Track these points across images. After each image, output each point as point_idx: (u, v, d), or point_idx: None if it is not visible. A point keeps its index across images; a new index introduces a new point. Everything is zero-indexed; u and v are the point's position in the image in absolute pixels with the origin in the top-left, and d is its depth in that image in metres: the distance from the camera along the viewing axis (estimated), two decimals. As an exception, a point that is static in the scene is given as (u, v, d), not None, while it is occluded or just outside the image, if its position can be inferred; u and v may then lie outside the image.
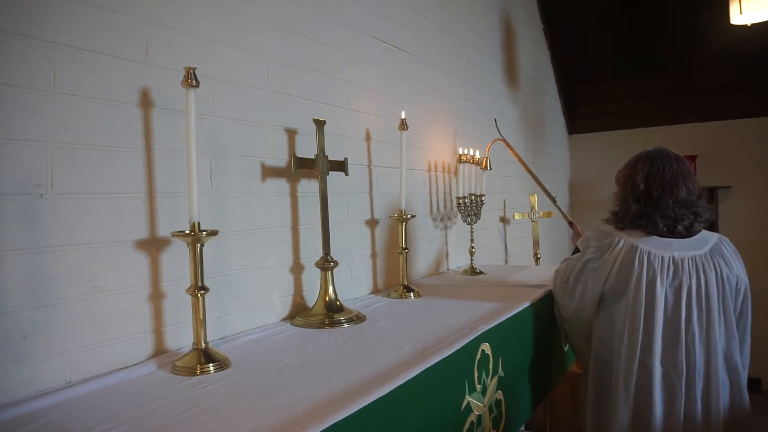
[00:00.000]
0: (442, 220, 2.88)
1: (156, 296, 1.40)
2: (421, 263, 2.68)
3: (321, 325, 1.69)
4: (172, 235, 1.31)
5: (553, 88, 5.19)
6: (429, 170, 2.77)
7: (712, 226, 4.86)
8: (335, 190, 2.04)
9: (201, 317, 1.31)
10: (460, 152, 2.72)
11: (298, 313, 1.84)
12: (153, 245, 1.40)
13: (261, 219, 1.73)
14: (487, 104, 3.47)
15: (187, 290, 1.31)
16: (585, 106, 5.45)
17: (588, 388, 2.02)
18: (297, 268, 1.87)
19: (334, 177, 1.95)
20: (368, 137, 2.28)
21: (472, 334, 1.51)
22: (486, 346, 1.55)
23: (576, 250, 2.31)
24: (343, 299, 2.05)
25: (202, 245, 1.30)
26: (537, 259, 3.70)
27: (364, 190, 2.26)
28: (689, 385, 1.78)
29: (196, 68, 1.29)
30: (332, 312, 1.74)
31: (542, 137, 4.69)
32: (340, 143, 2.10)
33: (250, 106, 1.70)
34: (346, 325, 1.70)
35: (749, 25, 3.12)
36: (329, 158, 1.83)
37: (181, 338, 1.45)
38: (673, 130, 5.08)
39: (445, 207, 2.91)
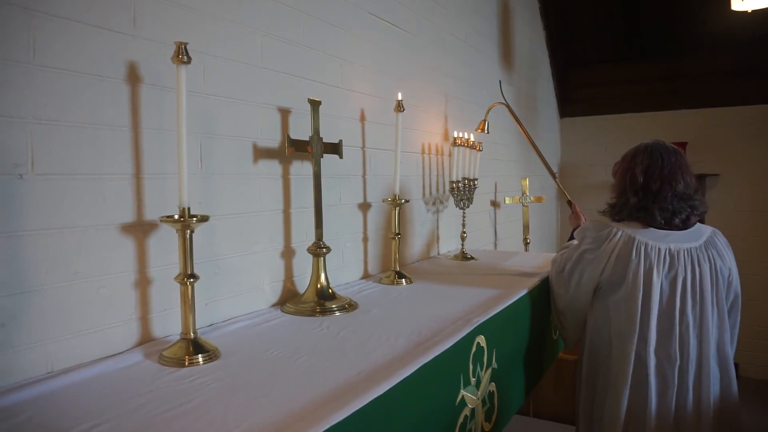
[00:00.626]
0: (434, 203, 2.84)
1: (142, 282, 1.34)
2: (412, 247, 2.65)
3: (312, 313, 1.65)
4: (161, 221, 1.24)
5: (547, 71, 5.13)
6: (422, 152, 2.71)
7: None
8: (328, 172, 1.98)
9: (190, 306, 1.25)
10: (455, 135, 2.67)
11: (289, 299, 1.79)
12: (139, 229, 1.33)
13: (252, 202, 1.67)
14: (482, 85, 3.41)
15: (175, 278, 1.25)
16: (577, 89, 5.40)
17: (582, 376, 2.03)
18: (288, 253, 1.82)
19: (327, 159, 1.89)
20: (363, 118, 2.21)
21: (467, 327, 1.48)
22: (481, 339, 1.53)
23: (572, 236, 2.30)
24: (334, 284, 2.01)
25: (191, 232, 1.24)
26: (526, 244, 3.68)
27: (358, 173, 2.20)
28: (682, 375, 1.81)
29: (187, 43, 1.21)
30: (324, 300, 1.70)
31: (535, 120, 4.64)
32: (334, 124, 2.03)
33: (243, 84, 1.62)
34: (338, 314, 1.66)
35: (749, 11, 3.08)
36: (323, 140, 1.77)
37: (168, 325, 1.40)
38: (665, 116, 5.07)
39: (437, 190, 2.87)
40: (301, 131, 1.81)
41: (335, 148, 1.84)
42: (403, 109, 2.08)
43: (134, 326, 1.34)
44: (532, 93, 4.61)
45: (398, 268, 2.17)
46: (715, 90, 4.77)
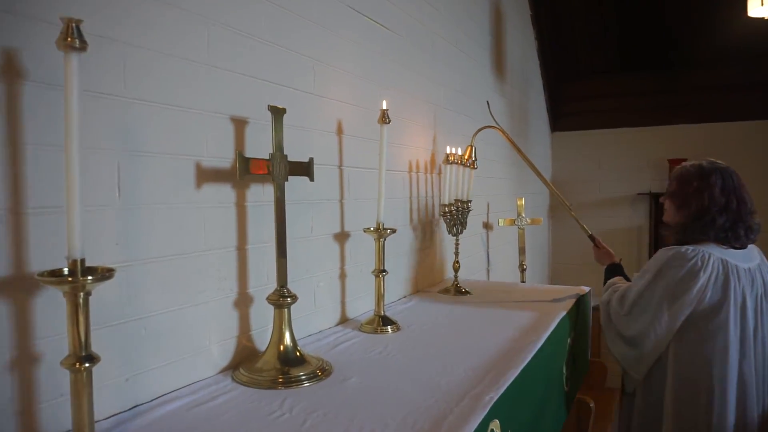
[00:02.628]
0: (423, 229, 2.47)
1: (22, 362, 0.95)
2: (398, 282, 2.27)
3: (272, 384, 1.26)
4: (39, 279, 0.85)
5: (538, 82, 4.83)
6: (410, 171, 2.35)
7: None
8: (296, 197, 1.61)
9: (85, 403, 0.86)
10: (448, 151, 2.31)
11: (245, 360, 1.40)
12: (18, 287, 0.94)
13: (195, 239, 1.28)
14: (475, 95, 3.07)
15: (62, 362, 0.86)
16: (569, 102, 5.12)
17: (667, 411, 1.91)
18: (243, 302, 1.43)
19: (294, 182, 1.52)
20: (340, 131, 1.84)
21: (478, 410, 1.10)
22: (495, 425, 1.15)
23: (611, 273, 2.29)
24: (305, 334, 1.64)
25: (87, 294, 0.85)
26: (523, 270, 3.34)
27: (334, 196, 1.82)
28: (758, 391, 1.90)
29: (80, 21, 0.83)
30: (288, 365, 1.31)
31: (526, 134, 4.33)
32: (305, 138, 1.66)
33: (182, 86, 1.24)
34: (306, 384, 1.28)
35: (766, 18, 2.81)
36: (289, 158, 1.39)
37: (60, 419, 1.00)
38: (662, 131, 4.80)
39: (426, 215, 2.51)
40: (261, 147, 1.43)
41: (305, 169, 1.47)
42: (389, 121, 1.73)
43: (12, 424, 0.94)
44: (524, 105, 4.30)
45: (383, 312, 1.80)
46: (715, 104, 4.52)
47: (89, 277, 0.84)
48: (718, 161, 1.98)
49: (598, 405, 3.00)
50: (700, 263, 1.84)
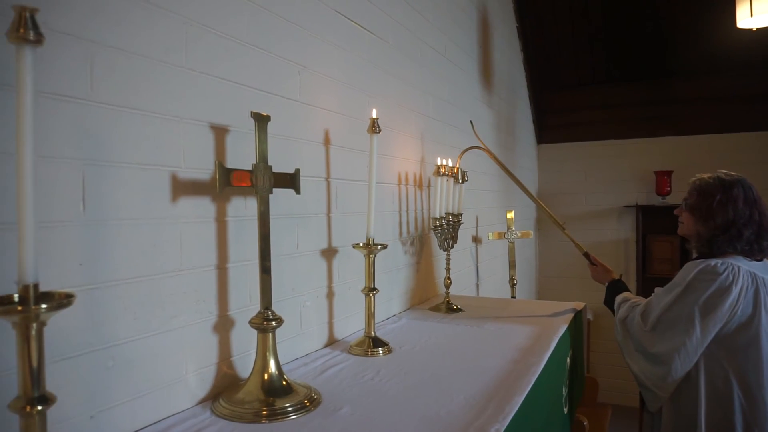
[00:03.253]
0: (412, 244, 2.38)
1: (-35, 403, 0.82)
2: (389, 299, 2.17)
3: (256, 417, 1.14)
4: (-18, 308, 0.73)
5: (525, 94, 4.80)
6: (399, 183, 2.26)
7: (686, 244, 4.60)
8: (281, 211, 1.50)
9: (36, 452, 0.74)
10: (438, 163, 2.23)
11: (226, 389, 1.28)
12: (-39, 316, 0.81)
13: (170, 258, 1.17)
14: (463, 106, 3.00)
15: (10, 405, 0.74)
16: (555, 114, 5.09)
17: (702, 422, 1.86)
18: (223, 325, 1.31)
19: (279, 195, 1.42)
20: (327, 141, 1.74)
21: (486, 446, 1.00)
22: (503, 461, 1.05)
23: (613, 290, 2.21)
24: (290, 357, 1.53)
25: (41, 325, 0.74)
26: (513, 285, 3.25)
27: (321, 210, 1.72)
28: None
29: (36, 10, 0.72)
30: (273, 395, 1.20)
31: (513, 146, 4.28)
32: (290, 148, 1.56)
33: (156, 90, 1.13)
34: (293, 416, 1.16)
35: (754, 29, 2.80)
36: (274, 169, 1.29)
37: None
38: (648, 143, 4.80)
39: (416, 228, 2.41)
40: (243, 157, 1.33)
41: (290, 180, 1.36)
42: (379, 130, 1.63)
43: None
44: (512, 117, 4.25)
45: (374, 333, 1.69)
46: (702, 116, 4.52)
47: (43, 306, 0.72)
48: (732, 173, 1.96)
49: (591, 422, 2.91)
50: (731, 277, 1.81)
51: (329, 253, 1.75)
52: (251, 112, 1.23)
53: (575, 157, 5.09)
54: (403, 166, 2.29)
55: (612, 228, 4.95)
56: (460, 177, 2.29)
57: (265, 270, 1.25)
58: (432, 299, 2.53)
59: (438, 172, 2.21)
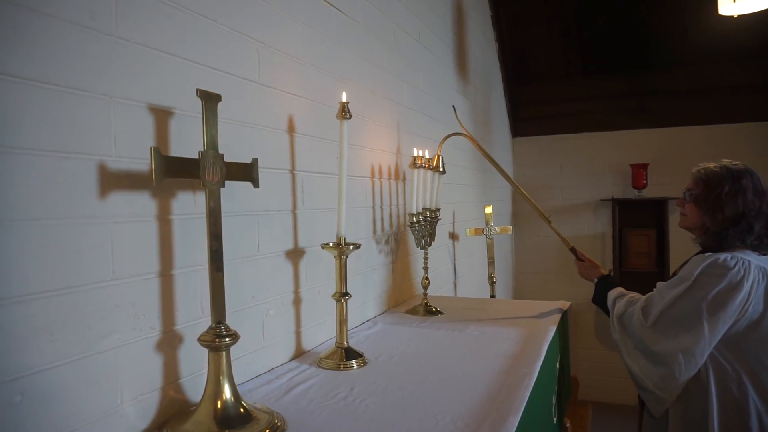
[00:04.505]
0: (387, 242, 2.20)
1: None
2: (363, 303, 1.99)
3: (206, 454, 0.96)
4: None
5: (500, 85, 4.67)
6: (372, 176, 2.08)
7: (664, 241, 4.55)
8: (239, 208, 1.31)
9: None
10: (415, 154, 2.06)
11: (174, 417, 1.09)
12: None
13: (97, 265, 0.96)
14: (439, 95, 2.84)
15: None
16: (530, 106, 4.98)
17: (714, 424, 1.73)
18: (169, 343, 1.12)
19: (236, 190, 1.23)
20: (291, 128, 1.55)
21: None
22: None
23: (604, 287, 2.07)
24: (251, 375, 1.34)
25: None
26: (492, 283, 3.11)
27: (285, 206, 1.53)
28: None
29: None
30: (227, 426, 1.01)
31: (489, 139, 4.14)
32: (248, 136, 1.36)
33: (79, 62, 0.93)
34: (251, 451, 0.98)
35: (736, 16, 2.70)
36: (228, 159, 1.10)
37: None
38: (623, 135, 4.72)
39: (391, 225, 2.24)
40: (190, 145, 1.13)
41: (247, 172, 1.17)
42: (350, 116, 1.45)
43: None
44: (487, 109, 4.11)
45: (346, 343, 1.51)
46: (679, 108, 4.46)
47: None
48: (737, 162, 1.84)
49: (573, 422, 2.80)
50: (742, 272, 1.69)
51: (295, 254, 1.56)
52: (197, 90, 1.04)
53: (550, 151, 5.00)
54: (376, 158, 2.12)
55: (588, 222, 4.87)
56: (441, 166, 2.12)
57: (217, 277, 1.06)
58: (409, 301, 2.36)
59: (414, 163, 2.04)
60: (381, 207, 2.15)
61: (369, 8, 2.06)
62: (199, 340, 1.05)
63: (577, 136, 4.88)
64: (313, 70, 1.67)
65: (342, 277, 1.48)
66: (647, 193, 4.54)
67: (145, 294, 1.07)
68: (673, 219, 4.56)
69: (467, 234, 3.11)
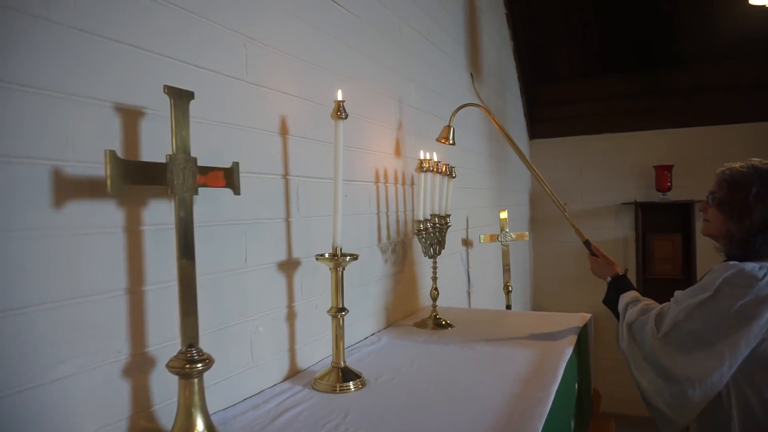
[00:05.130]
0: (394, 251, 2.08)
1: None
2: (365, 316, 1.87)
3: (171, 498, 0.84)
4: None
5: (516, 85, 4.52)
6: (376, 181, 1.96)
7: (690, 246, 4.34)
8: (223, 217, 1.20)
9: None
10: (422, 157, 1.94)
11: (141, 450, 0.98)
12: None
13: (53, 283, 0.86)
14: (450, 95, 2.71)
15: None
16: (548, 107, 4.81)
17: None
18: (139, 366, 1.01)
19: (221, 197, 1.12)
20: (284, 130, 1.44)
21: None
22: None
23: (617, 288, 1.89)
24: (236, 399, 1.23)
25: None
26: (508, 293, 2.97)
27: (277, 214, 1.42)
28: None
29: None
30: (197, 465, 0.90)
31: (504, 141, 3.98)
32: (234, 138, 1.26)
33: (33, 55, 0.83)
34: (222, 495, 0.86)
35: (767, 6, 2.53)
36: (209, 164, 0.99)
37: None
38: (647, 136, 4.53)
39: (398, 233, 2.11)
40: (165, 149, 1.03)
41: (226, 177, 1.06)
42: (345, 115, 1.34)
43: None
44: (502, 109, 3.97)
45: (343, 363, 1.39)
46: (703, 106, 4.25)
47: None
48: (766, 161, 1.66)
49: (594, 439, 2.64)
50: None
51: (289, 265, 1.45)
52: (164, 86, 0.93)
53: (570, 153, 4.82)
54: (381, 162, 2.00)
55: (610, 226, 4.68)
56: (451, 137, 1.99)
57: (187, 296, 0.95)
58: (417, 313, 2.24)
59: (421, 167, 1.92)
60: (386, 213, 2.03)
61: (372, 3, 1.95)
62: (167, 366, 0.94)
63: (598, 138, 4.69)
64: (310, 68, 1.56)
65: (338, 290, 1.36)
66: (672, 196, 4.34)
67: (111, 314, 0.96)
68: (701, 223, 4.35)
69: (481, 241, 2.97)
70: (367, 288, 1.88)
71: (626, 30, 4.24)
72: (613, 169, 4.64)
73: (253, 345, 1.31)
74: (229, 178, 1.06)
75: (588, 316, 2.06)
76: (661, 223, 4.44)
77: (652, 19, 4.09)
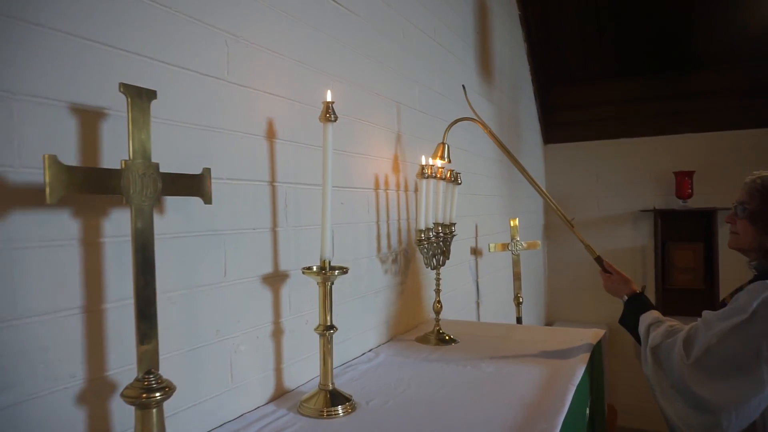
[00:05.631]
0: (394, 261, 1.97)
1: None
2: (363, 331, 1.76)
3: None
4: None
5: (529, 88, 4.39)
6: (376, 188, 1.86)
7: (712, 255, 4.16)
8: (197, 227, 1.11)
9: None
10: (423, 162, 1.83)
11: (96, 487, 0.89)
12: None
13: (-10, 302, 0.77)
14: (458, 98, 2.60)
15: None
16: (563, 110, 4.67)
17: None
18: (97, 393, 0.92)
19: (194, 205, 1.03)
20: (272, 133, 1.35)
21: None
22: None
23: (635, 307, 1.74)
24: (214, 424, 1.14)
25: None
26: (518, 304, 2.84)
27: (262, 224, 1.32)
28: None
29: None
30: None
31: (518, 146, 3.87)
32: (213, 142, 1.16)
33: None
34: None
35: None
36: (182, 169, 0.90)
37: None
38: (666, 141, 4.36)
39: (399, 242, 2.01)
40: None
41: (195, 185, 0.97)
42: (335, 118, 1.24)
43: None
44: (515, 113, 3.84)
45: (332, 385, 1.28)
46: (725, 110, 4.09)
47: None
48: None
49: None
50: None
51: (276, 279, 1.35)
52: (120, 84, 0.84)
53: (586, 158, 4.67)
54: (382, 167, 1.90)
55: (627, 235, 4.52)
56: (446, 154, 1.89)
57: (145, 317, 0.85)
58: (421, 326, 2.13)
59: (422, 173, 1.81)
60: (387, 222, 1.92)
61: (373, 1, 1.85)
62: (122, 395, 0.85)
63: (615, 142, 4.54)
64: (301, 68, 1.46)
65: (326, 306, 1.26)
66: (693, 203, 4.17)
67: (64, 334, 0.87)
68: (723, 232, 4.16)
69: (491, 250, 2.85)
70: (366, 301, 1.78)
71: (644, 30, 4.09)
72: (630, 175, 4.48)
73: (233, 365, 1.22)
74: (199, 185, 0.97)
75: (601, 332, 1.93)
76: (682, 231, 4.27)
77: (670, 17, 3.94)
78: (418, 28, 2.20)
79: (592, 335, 1.86)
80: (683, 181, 4.16)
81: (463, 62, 2.77)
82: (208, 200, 0.99)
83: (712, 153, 4.17)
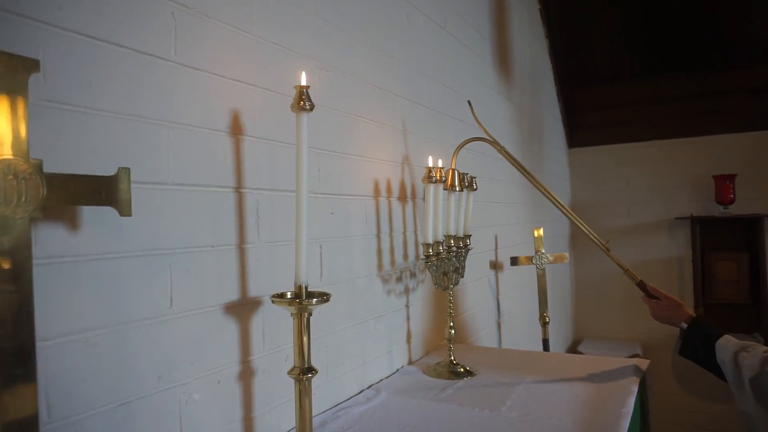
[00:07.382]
0: (400, 279, 1.71)
1: None
2: (361, 364, 1.49)
3: None
4: None
5: (552, 88, 4.10)
6: (376, 195, 1.60)
7: (757, 266, 3.80)
8: (129, 247, 0.86)
9: None
10: (429, 165, 1.57)
11: None
12: None
13: None
14: (472, 94, 2.33)
15: None
16: (588, 112, 4.37)
17: None
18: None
19: (123, 219, 0.78)
20: (237, 129, 1.10)
21: None
22: None
23: (699, 333, 1.48)
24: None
25: None
26: (545, 324, 2.54)
27: (225, 240, 1.07)
28: None
29: None
30: None
31: (540, 149, 3.58)
32: (152, 138, 0.92)
33: None
34: None
35: None
36: (100, 171, 0.65)
37: None
38: (702, 142, 4.02)
39: (405, 257, 1.74)
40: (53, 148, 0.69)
41: (102, 191, 0.72)
42: (310, 106, 0.98)
43: None
44: (537, 114, 3.55)
45: (311, 441, 1.02)
46: (766, 108, 3.74)
47: None
48: None
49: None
50: None
51: (244, 307, 1.09)
52: (-24, 47, 0.60)
53: (614, 162, 4.35)
54: (383, 172, 1.64)
55: (661, 245, 4.16)
56: (457, 184, 1.62)
57: (15, 368, 0.60)
58: (433, 353, 1.85)
59: (429, 177, 1.55)
60: (390, 234, 1.66)
61: (370, -20, 1.61)
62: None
63: (646, 145, 4.21)
64: (277, 50, 1.22)
65: (301, 344, 0.99)
66: (735, 209, 3.81)
67: None
68: (769, 240, 3.80)
69: (513, 263, 2.55)
70: (364, 327, 1.51)
71: (676, 24, 3.77)
72: (664, 180, 4.14)
73: (183, 419, 0.96)
74: (110, 191, 0.72)
75: (646, 362, 1.63)
76: (723, 240, 3.91)
77: (704, 11, 3.62)
78: (424, 15, 1.95)
79: (635, 364, 1.56)
80: (724, 185, 3.81)
81: (478, 56, 2.50)
82: (124, 211, 0.74)
83: (757, 154, 3.81)
